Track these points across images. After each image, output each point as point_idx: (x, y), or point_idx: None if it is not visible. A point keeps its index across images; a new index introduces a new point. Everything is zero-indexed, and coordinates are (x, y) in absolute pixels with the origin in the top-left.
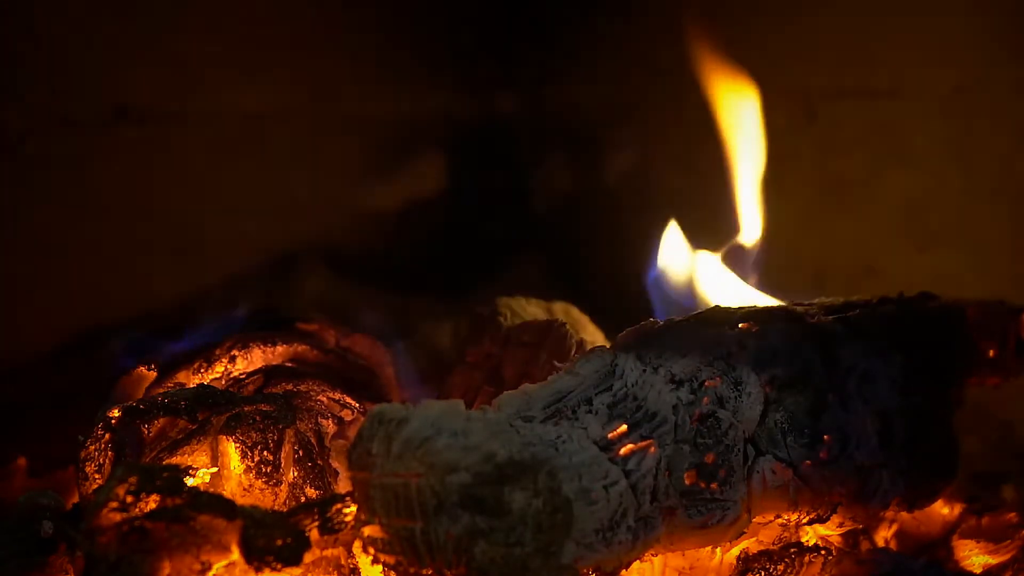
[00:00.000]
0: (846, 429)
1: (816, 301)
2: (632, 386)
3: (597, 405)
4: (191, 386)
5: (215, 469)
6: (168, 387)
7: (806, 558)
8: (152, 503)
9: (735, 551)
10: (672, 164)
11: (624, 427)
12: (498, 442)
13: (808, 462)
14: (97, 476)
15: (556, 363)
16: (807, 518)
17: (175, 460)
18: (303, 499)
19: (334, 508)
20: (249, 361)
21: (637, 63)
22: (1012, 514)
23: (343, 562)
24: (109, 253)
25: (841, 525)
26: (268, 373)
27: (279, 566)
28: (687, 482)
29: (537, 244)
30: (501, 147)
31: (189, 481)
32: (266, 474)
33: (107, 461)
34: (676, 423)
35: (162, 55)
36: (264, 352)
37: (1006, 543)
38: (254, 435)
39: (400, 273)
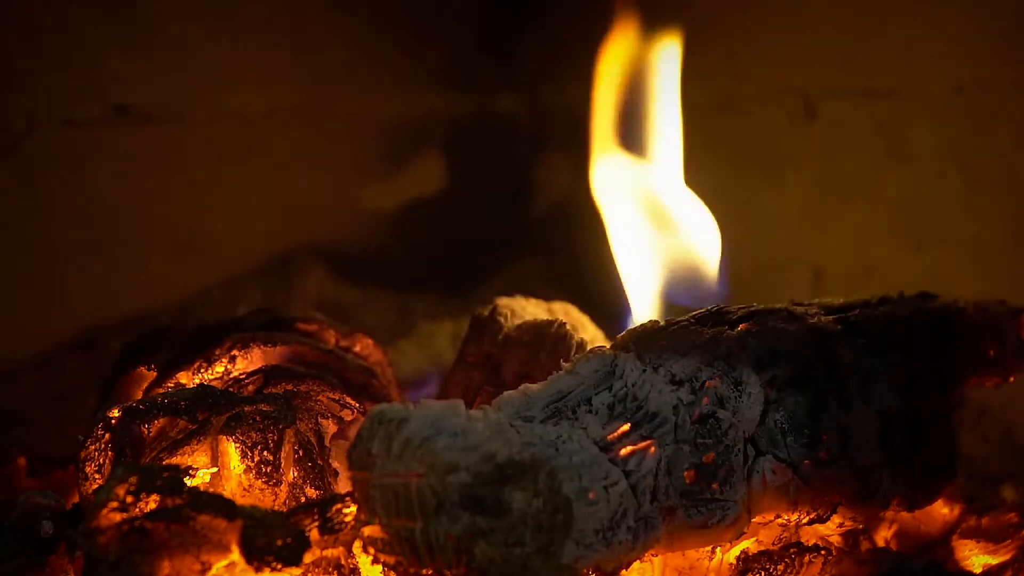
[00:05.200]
0: (846, 429)
1: (816, 301)
2: (632, 386)
3: (597, 405)
4: (191, 386)
5: (215, 469)
6: (168, 387)
7: (806, 558)
8: (152, 503)
9: (735, 551)
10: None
11: (624, 427)
12: (498, 442)
13: (808, 462)
14: (97, 476)
15: (563, 362)
16: (807, 518)
17: (175, 460)
18: (303, 499)
19: (334, 508)
20: (249, 361)
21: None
22: (1012, 514)
23: (343, 562)
24: (109, 253)
25: (841, 525)
26: (268, 373)
27: (279, 566)
28: (687, 482)
29: (537, 244)
30: (501, 147)
31: (189, 481)
32: (266, 474)
33: (107, 461)
34: (676, 423)
35: (162, 55)
36: (264, 352)
37: (1006, 543)
38: (254, 435)
39: (400, 273)
